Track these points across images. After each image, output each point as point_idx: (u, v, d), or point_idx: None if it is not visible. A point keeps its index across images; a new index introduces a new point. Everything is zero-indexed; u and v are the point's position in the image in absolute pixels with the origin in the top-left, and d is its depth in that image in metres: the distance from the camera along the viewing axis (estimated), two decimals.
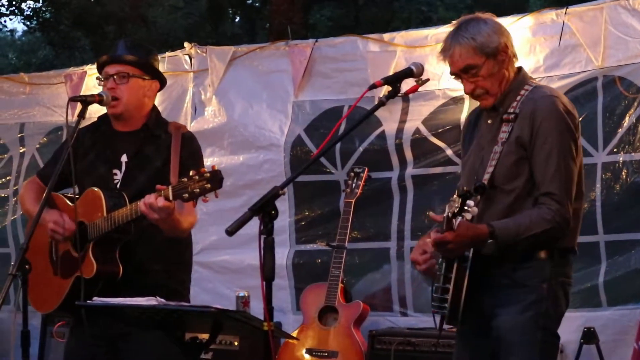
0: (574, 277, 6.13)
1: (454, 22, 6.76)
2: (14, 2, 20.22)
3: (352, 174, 6.64)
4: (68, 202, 4.61)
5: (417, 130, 6.89)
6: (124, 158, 4.59)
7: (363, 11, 21.03)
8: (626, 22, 6.25)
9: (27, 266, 4.58)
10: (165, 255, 4.55)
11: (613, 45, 6.28)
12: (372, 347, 6.35)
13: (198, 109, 7.63)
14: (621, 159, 6.27)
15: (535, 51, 6.52)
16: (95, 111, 4.86)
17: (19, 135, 8.31)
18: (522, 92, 4.16)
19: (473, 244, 3.97)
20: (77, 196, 4.41)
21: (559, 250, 4.09)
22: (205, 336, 3.89)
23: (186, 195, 4.00)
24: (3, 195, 8.34)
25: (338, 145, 6.99)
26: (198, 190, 3.96)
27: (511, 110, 4.12)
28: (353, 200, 6.54)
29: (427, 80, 4.10)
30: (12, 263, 4.23)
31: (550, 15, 6.54)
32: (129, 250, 4.43)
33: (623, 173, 6.27)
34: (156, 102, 4.85)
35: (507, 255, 4.02)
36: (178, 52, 7.80)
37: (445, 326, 4.13)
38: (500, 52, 4.13)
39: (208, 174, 3.95)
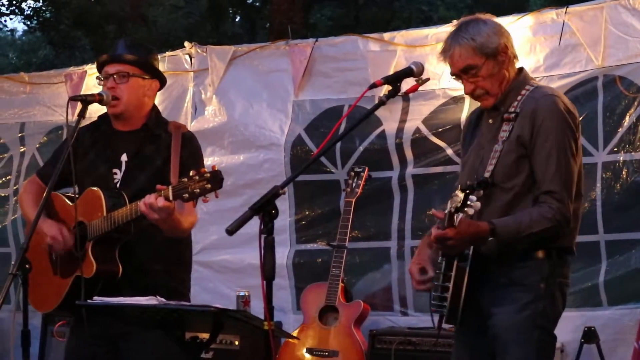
0: (574, 276, 6.20)
1: (455, 21, 6.79)
2: (14, 2, 20.23)
3: (353, 173, 6.64)
4: (68, 201, 4.61)
5: (418, 130, 6.89)
6: (123, 157, 4.58)
7: (363, 11, 21.04)
8: (626, 21, 6.26)
9: (27, 266, 4.58)
10: (165, 254, 4.55)
11: (613, 44, 6.28)
12: (372, 346, 6.35)
13: (198, 109, 7.63)
14: (621, 158, 6.27)
15: (536, 51, 6.52)
16: (96, 111, 4.86)
17: (19, 135, 8.31)
18: (523, 92, 4.18)
19: (474, 241, 3.98)
20: (77, 196, 4.41)
21: (557, 250, 4.10)
22: (205, 336, 3.89)
23: (186, 195, 4.00)
24: (3, 194, 8.34)
25: (338, 145, 6.99)
26: (198, 190, 3.96)
27: (512, 109, 4.13)
28: (353, 200, 6.54)
29: (428, 79, 4.11)
30: (13, 262, 4.22)
31: (550, 15, 6.54)
32: (129, 249, 4.43)
33: (623, 172, 6.27)
34: (156, 102, 4.85)
35: (505, 255, 4.04)
36: (178, 52, 7.80)
37: (444, 325, 4.15)
38: (500, 53, 4.15)
39: (208, 174, 3.95)
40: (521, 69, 4.29)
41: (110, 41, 16.92)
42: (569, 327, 6.16)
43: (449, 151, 6.74)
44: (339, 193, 6.96)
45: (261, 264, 3.53)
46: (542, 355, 4.10)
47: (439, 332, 4.21)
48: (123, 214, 4.28)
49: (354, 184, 6.58)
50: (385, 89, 4.09)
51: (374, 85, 4.05)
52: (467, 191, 3.90)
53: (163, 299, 3.81)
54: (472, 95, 4.22)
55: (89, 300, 4.02)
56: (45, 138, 8.20)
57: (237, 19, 24.50)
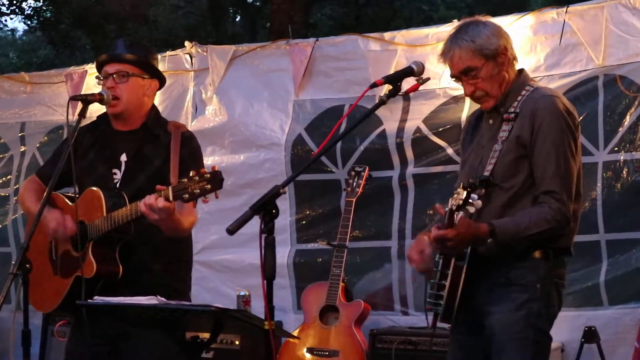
0: (575, 276, 6.21)
1: (455, 20, 6.81)
2: (14, 2, 20.20)
3: (353, 173, 6.65)
4: (68, 201, 4.61)
5: (418, 129, 6.89)
6: (123, 157, 4.59)
7: (364, 10, 21.03)
8: (627, 20, 6.25)
9: (27, 265, 4.58)
10: (165, 254, 4.55)
11: (614, 44, 6.28)
12: (373, 346, 6.35)
13: (199, 108, 7.63)
14: (622, 157, 6.27)
15: (536, 50, 6.52)
16: (96, 110, 4.86)
17: (19, 135, 8.32)
18: (523, 92, 4.20)
19: (473, 242, 3.99)
20: (77, 196, 4.41)
21: (554, 250, 4.11)
22: (206, 335, 3.89)
23: (186, 195, 3.99)
24: (4, 194, 8.34)
25: (339, 144, 6.99)
26: (198, 190, 3.96)
27: (512, 109, 4.14)
28: (354, 199, 6.54)
29: (428, 79, 4.11)
30: (13, 262, 4.21)
31: (551, 14, 6.54)
32: (129, 249, 4.43)
33: (624, 172, 6.26)
34: (157, 102, 4.85)
35: (502, 255, 4.05)
36: (179, 51, 7.80)
37: (439, 324, 4.16)
38: (500, 54, 4.17)
39: (208, 175, 3.95)
40: (521, 70, 4.30)
41: (110, 41, 16.89)
42: (569, 326, 6.17)
43: (450, 150, 6.74)
44: (339, 193, 6.96)
45: (262, 263, 3.53)
46: (537, 355, 4.11)
47: (433, 330, 4.23)
48: (123, 214, 4.28)
49: (354, 184, 6.58)
50: (386, 88, 4.09)
51: (374, 85, 4.05)
52: (469, 189, 3.91)
53: (163, 299, 3.81)
54: (472, 97, 4.24)
55: (89, 300, 4.02)
56: (45, 138, 8.20)
57: (237, 19, 24.51)
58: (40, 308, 4.84)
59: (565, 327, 6.19)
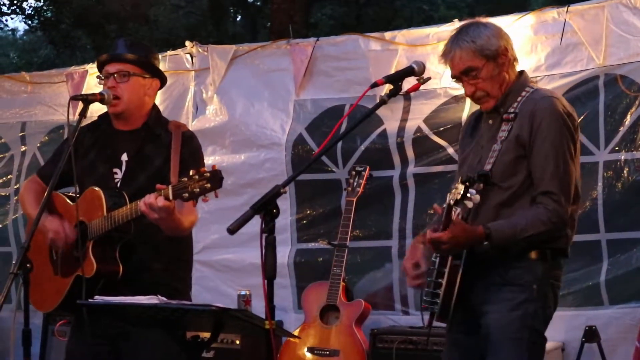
0: (575, 275, 6.21)
1: (456, 20, 6.82)
2: (15, 1, 20.21)
3: (354, 172, 6.65)
4: (68, 201, 4.61)
5: (419, 129, 6.89)
6: (124, 157, 4.58)
7: (364, 10, 21.04)
8: (628, 20, 6.25)
9: (28, 265, 4.57)
10: (165, 253, 4.55)
11: (614, 43, 6.28)
12: (373, 345, 6.35)
13: (199, 108, 7.63)
14: (623, 157, 6.27)
15: (537, 50, 6.52)
16: (97, 110, 4.86)
17: (20, 134, 8.32)
18: (523, 93, 4.21)
19: (468, 245, 4.01)
20: (77, 195, 4.41)
21: (551, 251, 4.11)
22: (206, 335, 3.89)
23: (186, 194, 3.99)
24: (4, 194, 8.34)
25: (339, 144, 6.99)
26: (198, 189, 3.96)
27: (511, 110, 4.15)
28: (354, 199, 6.54)
29: (429, 78, 4.12)
30: (14, 262, 4.21)
31: (551, 14, 6.54)
32: (130, 249, 4.42)
33: (624, 171, 6.26)
34: (157, 101, 4.85)
35: (499, 255, 4.05)
36: (179, 51, 7.80)
37: (438, 324, 4.17)
38: (500, 55, 4.18)
39: (208, 174, 3.95)
40: (522, 72, 4.32)
41: (111, 41, 16.89)
42: (570, 326, 6.17)
43: (450, 150, 6.74)
44: (340, 192, 6.96)
45: (262, 263, 3.53)
46: (533, 356, 4.11)
47: (429, 330, 4.23)
48: (123, 214, 4.28)
49: (355, 183, 6.58)
50: (387, 88, 4.10)
51: (375, 85, 4.05)
52: (467, 183, 3.92)
53: (164, 298, 3.81)
54: (473, 97, 4.25)
55: (89, 300, 4.02)
56: (46, 137, 8.20)
57: (238, 19, 24.52)
58: (40, 308, 4.84)
59: (566, 327, 6.20)
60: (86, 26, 19.91)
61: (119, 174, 4.57)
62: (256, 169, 7.34)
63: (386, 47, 7.02)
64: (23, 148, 8.30)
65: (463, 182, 3.93)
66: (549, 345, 5.94)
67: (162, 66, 4.93)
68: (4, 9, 20.30)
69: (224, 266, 7.39)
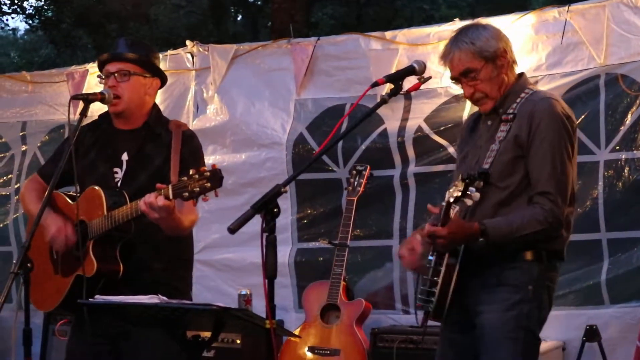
0: (576, 274, 6.21)
1: (456, 20, 6.82)
2: (16, 1, 20.22)
3: (354, 172, 6.65)
4: (69, 200, 4.61)
5: (419, 128, 6.89)
6: (124, 156, 4.58)
7: (365, 9, 21.03)
8: (628, 19, 6.25)
9: (28, 264, 4.58)
10: (166, 253, 4.54)
11: (615, 43, 6.28)
12: (374, 345, 6.36)
13: (200, 107, 7.63)
14: (623, 156, 6.27)
15: (538, 49, 6.52)
16: (97, 109, 4.86)
17: (20, 134, 8.32)
18: (522, 95, 4.23)
19: (465, 241, 4.03)
20: (78, 195, 4.41)
21: (547, 252, 4.12)
22: (207, 334, 3.89)
23: (186, 194, 3.99)
24: (5, 193, 8.34)
25: (340, 143, 6.99)
26: (198, 189, 3.96)
27: (510, 111, 4.16)
28: (355, 198, 6.55)
29: (429, 78, 4.13)
30: (14, 261, 4.21)
31: (552, 13, 6.53)
32: (130, 248, 4.42)
33: (625, 171, 6.26)
34: (158, 101, 4.85)
35: (496, 255, 4.06)
36: (180, 51, 7.80)
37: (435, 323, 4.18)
38: (499, 57, 4.20)
39: (208, 173, 3.95)
40: (521, 74, 4.34)
41: (112, 40, 16.90)
42: (570, 325, 6.18)
43: (451, 149, 6.74)
44: (340, 191, 6.96)
45: (263, 262, 3.53)
46: (527, 356, 4.11)
47: (424, 329, 4.24)
48: (123, 213, 4.28)
49: (355, 183, 6.58)
50: (387, 87, 4.10)
51: (375, 84, 4.05)
52: (467, 181, 3.93)
53: (165, 298, 3.81)
54: (471, 99, 4.27)
55: (90, 299, 4.02)
56: (46, 137, 8.20)
57: (238, 18, 24.51)
58: (41, 307, 4.84)
59: (567, 326, 6.20)
60: (87, 26, 19.92)
61: (119, 173, 4.57)
62: (257, 168, 7.34)
63: (387, 47, 7.02)
64: (24, 147, 8.30)
65: (463, 180, 3.94)
66: (549, 344, 5.97)
67: (162, 65, 4.93)
68: (5, 8, 20.31)
69: (225, 265, 7.39)
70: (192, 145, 4.57)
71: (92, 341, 4.45)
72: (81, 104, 4.46)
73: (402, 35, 7.03)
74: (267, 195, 3.58)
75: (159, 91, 4.84)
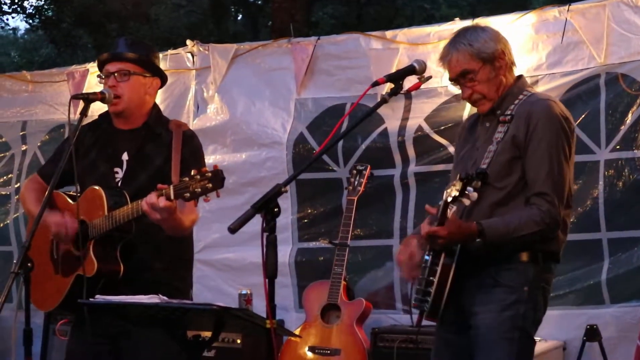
0: (577, 274, 6.22)
1: (457, 19, 6.82)
2: (16, 0, 20.22)
3: (355, 171, 6.65)
4: (69, 200, 4.60)
5: (420, 128, 6.88)
6: (124, 156, 4.58)
7: (365, 9, 21.04)
8: (629, 19, 6.25)
9: (29, 264, 4.57)
10: (166, 252, 4.54)
11: (616, 42, 6.28)
12: (374, 344, 6.36)
13: (200, 107, 7.63)
14: (624, 156, 6.26)
15: (538, 48, 6.52)
16: (98, 109, 4.86)
17: (20, 133, 8.32)
18: (520, 97, 4.25)
19: (462, 241, 4.03)
20: (78, 194, 4.40)
21: (542, 254, 4.12)
22: (207, 334, 3.89)
23: (187, 194, 3.99)
24: (5, 193, 8.34)
25: (340, 143, 6.99)
26: (199, 189, 3.96)
27: (508, 112, 4.17)
28: (355, 198, 6.55)
29: (430, 77, 4.14)
30: (15, 261, 4.21)
31: (552, 13, 6.53)
32: (130, 248, 4.42)
33: (625, 170, 6.26)
34: (158, 100, 4.85)
35: (492, 255, 4.06)
36: (180, 50, 7.80)
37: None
38: (497, 58, 4.22)
39: (210, 174, 3.95)
40: (520, 77, 4.35)
41: (112, 40, 16.91)
42: (571, 325, 6.18)
43: (451, 149, 6.73)
44: (341, 191, 6.97)
45: (263, 262, 3.53)
46: (522, 357, 4.11)
47: (418, 328, 4.24)
48: (124, 213, 4.28)
49: (356, 182, 6.58)
50: (388, 87, 4.11)
51: (376, 83, 4.05)
52: (465, 180, 3.93)
53: (165, 298, 3.81)
54: (470, 100, 4.29)
55: (90, 299, 4.02)
56: (46, 136, 8.20)
57: (239, 17, 24.51)
58: (41, 307, 4.84)
59: (567, 326, 6.20)
60: (87, 25, 19.93)
61: (119, 173, 4.57)
62: (257, 167, 7.33)
63: (387, 46, 7.02)
64: (24, 147, 8.30)
65: (461, 180, 3.94)
66: (550, 344, 5.97)
67: (162, 65, 4.92)
68: (5, 7, 20.32)
69: (225, 265, 7.39)
70: (192, 145, 4.56)
71: (93, 341, 4.44)
72: (81, 104, 4.46)
73: (403, 34, 7.03)
74: (267, 194, 3.58)
75: (159, 91, 4.84)
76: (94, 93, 4.52)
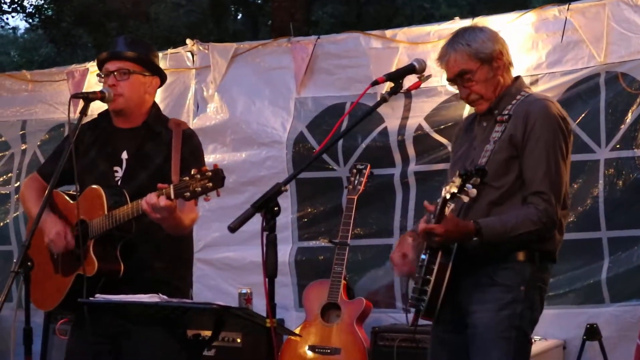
0: (577, 273, 6.21)
1: (456, 18, 6.82)
2: (16, 0, 20.22)
3: (355, 170, 6.65)
4: (69, 199, 4.60)
5: (420, 127, 6.88)
6: (124, 155, 4.58)
7: (365, 8, 21.02)
8: (629, 18, 6.25)
9: (29, 263, 4.57)
10: (166, 252, 4.54)
11: (615, 41, 6.28)
12: (374, 343, 6.35)
13: (200, 106, 7.63)
14: (624, 155, 6.26)
15: (538, 47, 6.52)
16: (97, 108, 4.86)
17: (20, 133, 8.32)
18: (518, 97, 4.26)
19: (459, 240, 4.03)
20: (78, 194, 4.40)
21: (539, 253, 4.12)
22: (207, 333, 3.89)
23: (188, 194, 3.99)
24: (5, 192, 8.34)
25: (340, 142, 6.99)
26: (200, 189, 3.96)
27: (505, 112, 4.17)
28: (355, 197, 6.54)
29: (430, 76, 4.15)
30: (15, 260, 4.21)
31: (552, 12, 6.54)
32: (130, 247, 4.42)
33: (625, 169, 6.26)
34: (158, 99, 4.85)
35: (489, 255, 4.05)
36: (180, 49, 7.80)
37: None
38: (495, 59, 4.23)
39: (210, 173, 3.95)
40: (517, 77, 4.36)
41: (112, 39, 16.88)
42: (571, 324, 6.18)
43: (451, 148, 6.73)
44: (341, 190, 6.97)
45: (263, 261, 3.53)
46: (519, 356, 4.11)
47: (415, 328, 4.24)
48: (124, 213, 4.28)
49: (356, 181, 6.58)
50: (388, 86, 4.11)
51: (376, 83, 4.05)
52: (464, 177, 3.93)
53: (165, 297, 3.81)
54: (467, 100, 4.30)
55: (90, 298, 4.02)
56: (46, 136, 8.20)
57: (239, 17, 24.49)
58: (41, 306, 4.83)
59: (567, 325, 6.20)
60: (87, 24, 19.92)
61: (119, 172, 4.56)
62: (257, 167, 7.34)
63: (387, 45, 7.02)
64: (23, 146, 8.29)
65: (460, 176, 3.93)
66: (550, 343, 5.97)
67: (162, 64, 4.92)
68: (5, 7, 20.31)
69: (225, 264, 7.39)
70: (192, 144, 4.56)
71: (93, 340, 4.44)
72: (81, 103, 4.47)
73: (402, 33, 7.03)
74: (267, 193, 3.57)
75: (159, 90, 4.85)
76: (94, 92, 4.53)
